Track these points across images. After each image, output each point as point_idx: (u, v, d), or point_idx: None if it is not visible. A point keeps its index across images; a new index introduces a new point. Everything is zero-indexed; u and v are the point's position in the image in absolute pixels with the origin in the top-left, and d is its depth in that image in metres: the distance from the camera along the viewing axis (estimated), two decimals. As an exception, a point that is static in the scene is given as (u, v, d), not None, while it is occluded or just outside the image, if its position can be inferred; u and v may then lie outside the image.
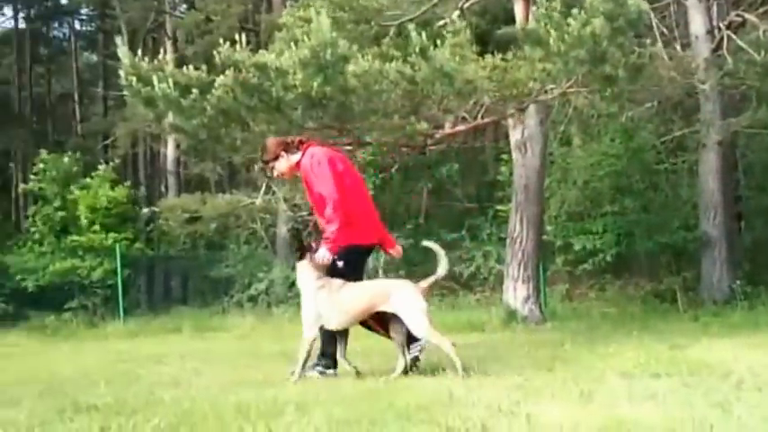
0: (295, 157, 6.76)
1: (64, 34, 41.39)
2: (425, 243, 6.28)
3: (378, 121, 9.19)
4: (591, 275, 16.97)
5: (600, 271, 16.85)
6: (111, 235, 21.15)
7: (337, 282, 6.17)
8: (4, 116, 35.82)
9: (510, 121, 12.60)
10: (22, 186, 25.47)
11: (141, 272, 22.89)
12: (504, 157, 16.62)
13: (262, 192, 19.42)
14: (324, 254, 6.20)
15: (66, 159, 22.64)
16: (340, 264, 6.30)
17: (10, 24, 39.30)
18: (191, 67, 8.38)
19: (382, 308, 6.02)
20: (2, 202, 35.39)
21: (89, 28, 40.66)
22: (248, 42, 8.71)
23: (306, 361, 6.10)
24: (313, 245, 6.32)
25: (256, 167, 15.71)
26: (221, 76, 8.17)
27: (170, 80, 7.86)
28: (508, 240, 13.22)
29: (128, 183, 23.64)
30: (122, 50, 8.40)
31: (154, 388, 5.99)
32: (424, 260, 18.11)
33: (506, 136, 14.25)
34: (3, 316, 19.57)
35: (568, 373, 5.63)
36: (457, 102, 9.28)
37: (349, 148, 13.13)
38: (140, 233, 23.19)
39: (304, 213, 20.24)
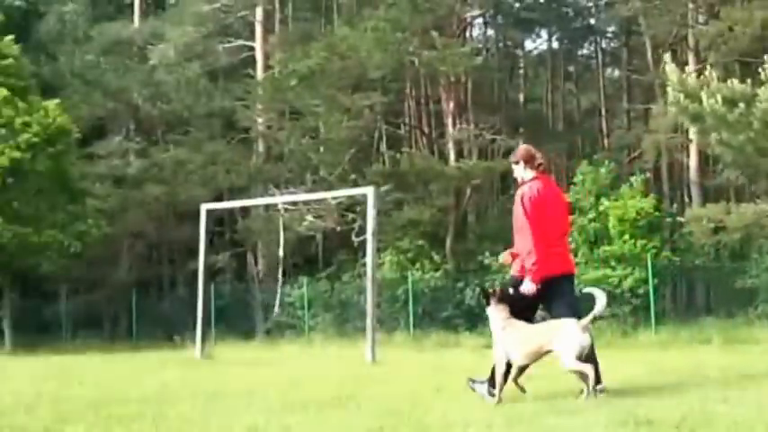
0: (526, 174, 7.22)
1: (590, 52, 43.54)
2: (586, 290, 7.00)
3: None
4: None
5: None
6: (640, 243, 21.82)
7: (520, 323, 6.84)
8: (538, 132, 38.66)
9: None
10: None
11: (667, 281, 23.30)
12: None
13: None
14: (528, 286, 6.85)
15: (602, 170, 23.74)
16: (509, 288, 6.99)
17: (544, 47, 42.60)
18: (734, 80, 8.61)
19: (549, 348, 6.64)
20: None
21: (613, 45, 42.17)
22: None
23: (501, 386, 6.73)
24: (496, 291, 6.98)
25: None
26: (762, 89, 8.31)
27: (718, 95, 8.22)
28: None
29: (653, 194, 24.25)
30: (670, 68, 8.95)
31: (704, 401, 6.00)
32: None
33: None
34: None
35: None
36: None
37: None
38: (665, 243, 23.57)
39: None
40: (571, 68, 43.24)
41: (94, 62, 32.03)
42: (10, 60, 27.17)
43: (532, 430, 5.17)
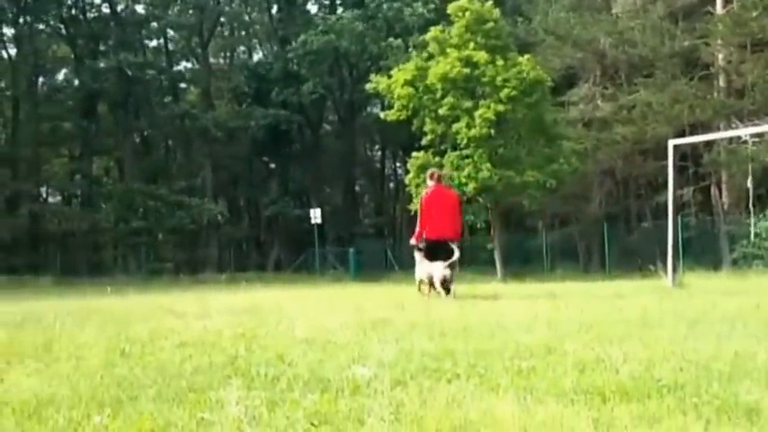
0: (429, 184, 13.61)
1: None
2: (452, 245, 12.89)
3: None
4: None
5: None
6: None
7: (426, 261, 12.93)
8: None
9: None
10: None
11: None
12: None
13: None
14: (412, 240, 13.47)
15: None
16: (422, 246, 13.16)
17: None
18: None
19: (434, 274, 12.63)
20: None
21: None
22: None
23: (419, 289, 13.36)
24: (420, 246, 13.25)
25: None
26: None
27: None
28: None
29: None
30: None
31: None
32: None
33: None
34: None
35: None
36: None
37: None
38: None
39: None
40: None
41: (564, 18, 34.84)
42: (490, 24, 30.82)
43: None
